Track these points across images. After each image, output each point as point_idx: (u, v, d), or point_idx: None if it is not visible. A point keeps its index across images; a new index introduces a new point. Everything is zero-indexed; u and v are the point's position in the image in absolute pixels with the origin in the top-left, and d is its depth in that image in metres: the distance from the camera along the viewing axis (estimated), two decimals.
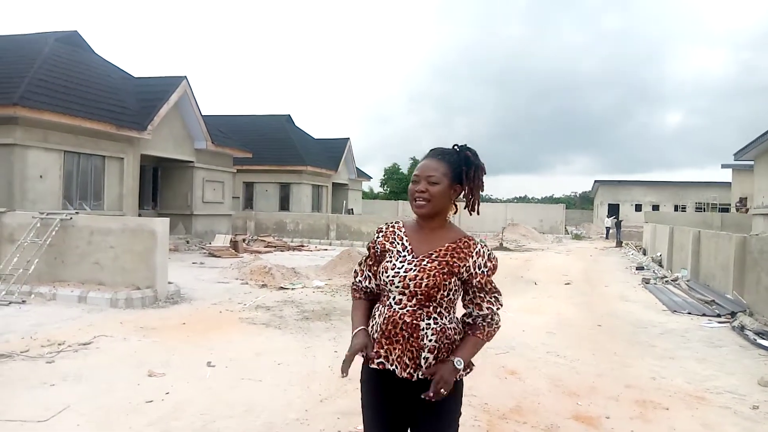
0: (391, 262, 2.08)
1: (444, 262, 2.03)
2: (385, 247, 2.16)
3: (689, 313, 9.19)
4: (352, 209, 34.33)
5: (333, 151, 32.57)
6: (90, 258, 8.71)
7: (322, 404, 4.43)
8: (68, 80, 15.04)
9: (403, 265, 2.05)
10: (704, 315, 9.04)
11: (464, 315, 2.16)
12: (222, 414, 4.17)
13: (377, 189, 64.45)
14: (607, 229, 36.00)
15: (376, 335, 2.07)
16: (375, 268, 2.19)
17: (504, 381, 5.20)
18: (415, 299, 2.02)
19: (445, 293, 2.02)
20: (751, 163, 22.83)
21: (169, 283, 8.88)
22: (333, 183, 32.23)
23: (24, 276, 8.31)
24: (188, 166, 19.28)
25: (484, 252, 2.08)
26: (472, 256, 2.05)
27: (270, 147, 27.83)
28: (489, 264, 2.08)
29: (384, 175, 62.65)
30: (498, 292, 2.13)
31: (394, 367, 2.02)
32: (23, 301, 7.96)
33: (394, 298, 2.05)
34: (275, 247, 19.86)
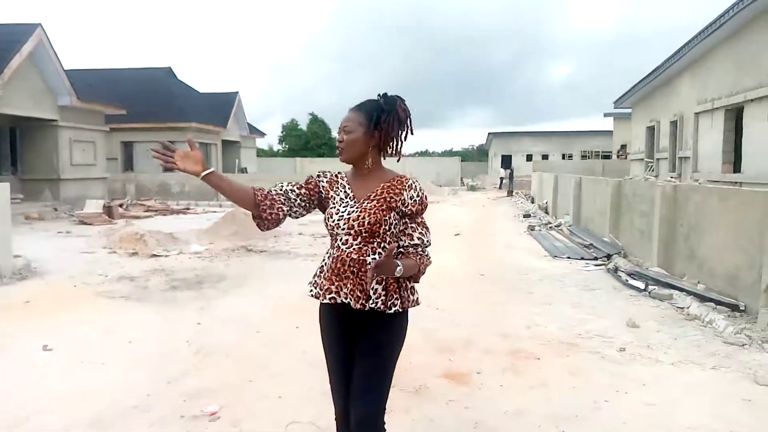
0: (335, 208, 2.25)
1: (381, 200, 2.20)
2: (329, 194, 2.30)
3: (568, 258, 9.43)
4: (245, 168, 32.97)
5: (221, 107, 30.85)
6: None
7: (169, 386, 3.93)
8: None
9: (346, 209, 2.22)
10: (582, 259, 9.31)
11: (399, 247, 2.24)
12: (45, 407, 3.57)
13: (277, 147, 62.73)
14: (501, 179, 37.18)
15: (327, 274, 2.24)
16: (303, 191, 2.30)
17: None
18: (360, 237, 2.18)
19: (387, 228, 2.19)
20: (629, 110, 24.05)
21: (16, 256, 7.85)
22: (223, 141, 30.64)
23: None
24: (51, 125, 17.38)
25: (415, 185, 2.26)
26: (405, 190, 2.22)
27: (150, 103, 25.81)
28: (420, 195, 2.25)
29: (282, 132, 60.94)
30: (427, 227, 2.30)
31: (348, 300, 2.18)
32: None
33: (341, 239, 2.21)
34: (156, 211, 18.57)
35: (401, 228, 2.25)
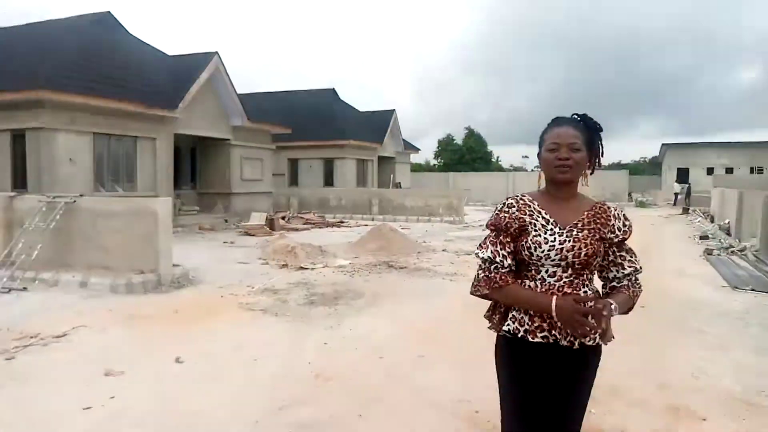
0: (540, 236, 2.05)
1: (593, 230, 2.07)
2: (524, 222, 2.10)
3: (753, 290, 8.00)
4: (399, 183, 33.51)
5: (378, 124, 31.72)
6: (95, 242, 8.39)
7: (280, 413, 3.79)
8: (98, 62, 14.91)
9: (555, 238, 2.04)
10: None
11: (607, 279, 2.18)
12: (156, 426, 3.60)
13: (434, 161, 63.22)
14: (676, 195, 33.77)
15: (530, 311, 2.06)
16: (514, 244, 2.10)
17: None
18: (570, 269, 2.04)
19: (599, 259, 2.09)
20: None
21: (176, 265, 8.47)
22: (379, 156, 31.43)
23: (27, 262, 8.08)
24: (225, 144, 18.99)
25: (620, 214, 2.15)
26: (611, 219, 2.11)
27: (313, 122, 27.30)
28: (627, 223, 2.14)
29: (438, 147, 61.35)
30: (635, 252, 2.18)
31: (559, 336, 2.03)
32: (24, 288, 7.72)
33: (546, 271, 2.06)
34: (314, 223, 19.41)
35: (609, 259, 2.15)
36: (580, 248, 2.02)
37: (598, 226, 2.08)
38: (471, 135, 58.49)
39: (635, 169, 63.71)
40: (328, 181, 27.51)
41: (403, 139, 34.91)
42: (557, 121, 2.17)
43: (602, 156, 2.20)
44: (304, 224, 19.27)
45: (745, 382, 4.38)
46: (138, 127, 15.21)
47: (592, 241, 2.03)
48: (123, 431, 3.53)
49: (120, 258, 8.21)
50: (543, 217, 2.09)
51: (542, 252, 2.03)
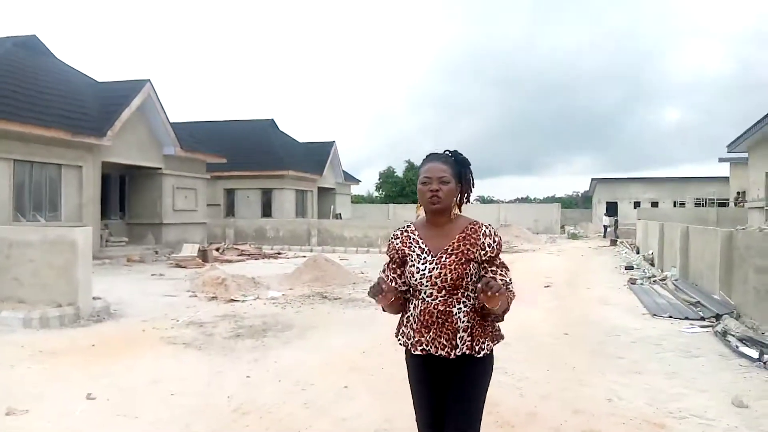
0: (414, 266, 2.34)
1: (460, 254, 2.29)
2: (404, 252, 2.41)
3: (670, 317, 8.36)
4: (339, 214, 33.48)
5: (318, 155, 31.73)
6: (8, 273, 7.92)
7: None
8: (20, 85, 14.33)
9: (425, 266, 2.31)
10: (687, 318, 8.21)
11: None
12: None
13: (375, 193, 63.55)
14: (605, 227, 35.13)
15: (415, 326, 2.35)
16: (400, 270, 2.44)
17: None
18: (444, 290, 2.29)
19: (468, 279, 2.29)
20: (746, 155, 21.98)
21: (96, 298, 8.10)
22: (319, 188, 31.38)
23: None
24: (156, 173, 18.48)
25: (489, 232, 2.36)
26: (480, 238, 2.32)
27: (251, 152, 27.05)
28: (496, 239, 2.36)
29: (379, 179, 61.83)
30: (506, 267, 2.40)
31: (431, 348, 2.29)
32: None
33: (425, 292, 2.32)
34: (249, 255, 19.05)
35: (482, 273, 2.33)
36: (446, 274, 2.28)
37: (467, 247, 2.32)
38: (411, 168, 59.24)
39: (568, 202, 65.98)
40: (266, 211, 27.18)
41: (344, 171, 35.02)
42: (430, 158, 2.42)
43: (473, 187, 2.49)
44: (239, 256, 18.89)
45: (657, 404, 4.54)
46: (62, 154, 14.63)
47: (457, 266, 2.28)
48: None
49: (35, 290, 7.78)
50: (419, 247, 2.38)
51: (415, 280, 2.34)
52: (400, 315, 2.48)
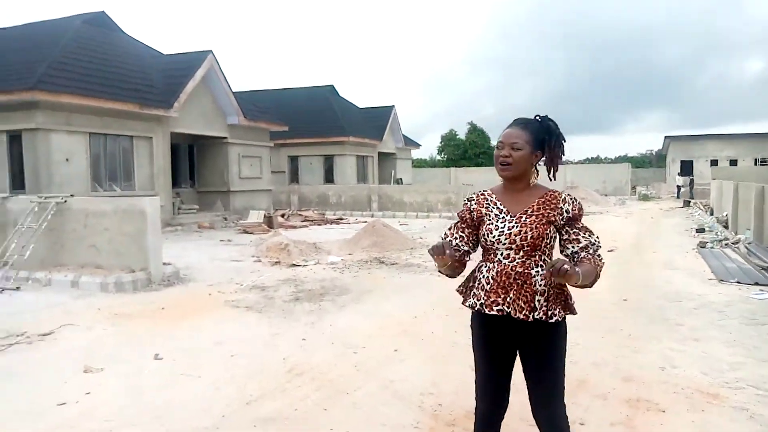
0: (493, 224, 2.34)
1: (540, 215, 2.29)
2: (481, 213, 2.40)
3: (738, 282, 8.01)
4: (400, 179, 33.54)
5: (378, 120, 31.74)
6: (87, 241, 8.50)
7: (247, 407, 3.87)
8: (91, 61, 15.01)
9: (504, 224, 2.31)
10: (756, 284, 7.86)
11: (568, 256, 2.34)
12: (127, 420, 3.69)
13: (438, 157, 63.01)
14: (679, 188, 33.63)
15: (488, 287, 2.31)
16: (468, 231, 2.44)
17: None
18: (522, 251, 2.28)
19: (548, 241, 2.29)
20: None
21: (166, 264, 8.58)
22: (380, 153, 31.47)
23: (20, 262, 8.20)
24: (222, 142, 19.09)
25: (569, 199, 2.35)
26: (560, 204, 2.32)
27: (313, 119, 27.37)
28: (576, 203, 2.34)
29: (441, 142, 61.18)
30: (591, 230, 2.36)
31: (510, 309, 2.26)
32: (17, 288, 7.85)
33: (501, 254, 2.31)
34: (312, 221, 19.50)
35: (564, 237, 2.34)
36: (526, 232, 2.27)
37: (547, 211, 2.31)
38: (474, 130, 58.26)
39: (640, 162, 63.33)
40: (328, 177, 27.59)
41: (404, 135, 34.91)
42: (510, 123, 2.41)
43: (561, 155, 2.42)
44: (303, 221, 19.36)
45: (713, 374, 4.43)
46: (134, 126, 15.32)
47: (538, 225, 2.27)
48: (93, 425, 3.62)
49: (111, 257, 8.33)
50: (497, 208, 2.38)
51: (494, 237, 2.32)
52: (466, 279, 2.48)
